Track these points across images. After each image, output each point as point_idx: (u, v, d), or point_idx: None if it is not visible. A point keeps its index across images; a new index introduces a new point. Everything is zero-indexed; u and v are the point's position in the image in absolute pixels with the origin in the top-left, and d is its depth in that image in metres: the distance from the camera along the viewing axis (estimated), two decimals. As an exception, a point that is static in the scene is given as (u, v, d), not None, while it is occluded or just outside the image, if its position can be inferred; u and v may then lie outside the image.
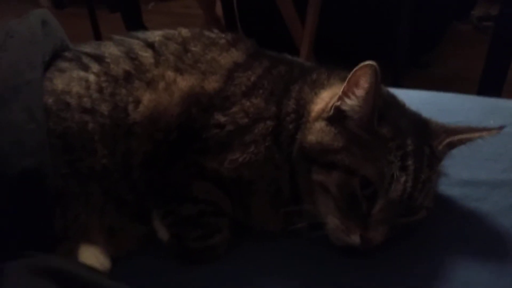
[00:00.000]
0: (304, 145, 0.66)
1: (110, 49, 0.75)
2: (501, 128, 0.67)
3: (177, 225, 0.69)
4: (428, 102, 0.97)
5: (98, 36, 2.18)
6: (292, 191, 0.68)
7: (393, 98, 0.72)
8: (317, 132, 0.65)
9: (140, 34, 0.79)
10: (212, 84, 0.70)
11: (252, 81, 0.71)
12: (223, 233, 0.69)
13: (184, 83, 0.70)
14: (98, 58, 0.74)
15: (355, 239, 0.62)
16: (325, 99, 0.69)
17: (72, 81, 0.70)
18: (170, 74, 0.71)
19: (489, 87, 1.66)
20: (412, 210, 0.64)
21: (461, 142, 0.68)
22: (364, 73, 0.62)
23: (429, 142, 0.67)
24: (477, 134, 0.67)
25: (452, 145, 0.68)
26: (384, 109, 0.65)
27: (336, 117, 0.65)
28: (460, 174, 0.76)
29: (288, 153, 0.68)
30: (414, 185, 0.62)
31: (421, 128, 0.68)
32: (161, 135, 0.68)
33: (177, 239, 0.69)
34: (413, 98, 0.98)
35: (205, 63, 0.73)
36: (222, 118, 0.68)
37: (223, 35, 0.79)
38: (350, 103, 0.64)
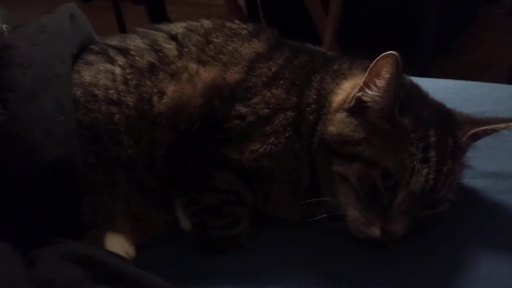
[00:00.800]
0: (324, 136, 0.66)
1: (135, 42, 0.77)
2: None
3: (199, 214, 0.70)
4: (454, 91, 0.95)
5: (122, 28, 2.21)
6: (312, 182, 0.68)
7: (416, 87, 0.71)
8: (337, 123, 0.65)
9: (164, 26, 0.81)
10: (233, 75, 0.71)
11: (273, 72, 0.71)
12: (244, 223, 0.70)
13: (206, 74, 0.71)
14: (124, 51, 0.76)
15: (376, 231, 0.61)
16: (346, 89, 0.69)
17: (99, 74, 0.72)
18: (193, 65, 0.72)
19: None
20: (434, 202, 0.63)
21: (486, 133, 0.66)
22: (385, 63, 0.61)
23: (453, 133, 0.65)
24: (503, 125, 0.65)
25: (477, 136, 0.67)
26: (406, 100, 0.64)
27: (357, 108, 0.65)
28: (484, 166, 0.75)
29: (308, 143, 0.68)
30: (437, 177, 0.61)
31: (445, 119, 0.67)
32: (184, 126, 0.70)
33: (199, 228, 0.70)
34: (438, 87, 0.96)
35: (227, 54, 0.74)
36: (243, 109, 0.69)
37: (245, 26, 0.79)
38: (371, 93, 0.63)
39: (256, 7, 2.22)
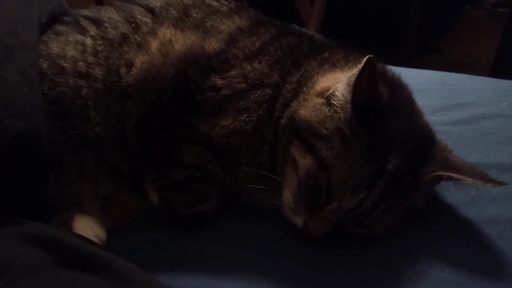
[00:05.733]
0: (294, 116, 0.63)
1: (110, 14, 0.73)
2: (501, 183, 0.60)
3: (166, 189, 0.68)
4: (439, 82, 0.94)
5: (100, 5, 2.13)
6: (271, 166, 0.65)
7: (410, 106, 0.65)
8: (311, 107, 0.62)
9: (142, 1, 0.77)
10: (212, 44, 0.68)
11: (257, 47, 0.68)
12: (211, 201, 0.68)
13: (181, 42, 0.68)
14: (97, 22, 0.72)
15: (298, 221, 0.61)
16: (336, 79, 0.64)
17: (68, 45, 0.68)
18: (166, 33, 0.69)
19: (501, 73, 1.62)
20: (361, 225, 0.61)
21: (450, 179, 0.60)
22: (361, 71, 0.56)
23: (417, 168, 0.60)
24: (470, 179, 0.58)
25: (439, 179, 0.62)
26: (387, 116, 0.58)
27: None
28: (468, 157, 0.73)
29: (276, 121, 0.65)
30: (372, 208, 0.58)
31: (420, 149, 0.61)
32: (154, 97, 0.66)
33: (166, 203, 0.68)
34: (424, 78, 0.95)
35: (206, 28, 0.70)
36: (219, 81, 0.65)
37: (226, 3, 0.76)
38: (339, 93, 0.60)
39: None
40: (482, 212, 0.67)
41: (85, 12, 0.75)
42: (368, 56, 0.55)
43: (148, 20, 0.71)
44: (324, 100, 0.61)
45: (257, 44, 0.68)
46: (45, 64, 0.65)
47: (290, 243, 0.64)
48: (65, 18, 0.74)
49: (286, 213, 0.63)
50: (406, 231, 0.63)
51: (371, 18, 2.01)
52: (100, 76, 0.66)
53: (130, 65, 0.67)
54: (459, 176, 0.59)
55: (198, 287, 0.59)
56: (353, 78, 0.57)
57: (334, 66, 0.67)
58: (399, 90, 0.65)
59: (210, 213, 0.68)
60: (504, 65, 1.66)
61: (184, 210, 0.68)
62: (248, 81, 0.65)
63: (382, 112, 0.58)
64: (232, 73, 0.66)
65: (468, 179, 0.59)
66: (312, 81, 0.65)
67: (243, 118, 0.64)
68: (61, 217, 0.65)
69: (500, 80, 0.95)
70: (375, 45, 1.37)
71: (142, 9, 0.73)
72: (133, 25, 0.70)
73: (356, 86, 0.56)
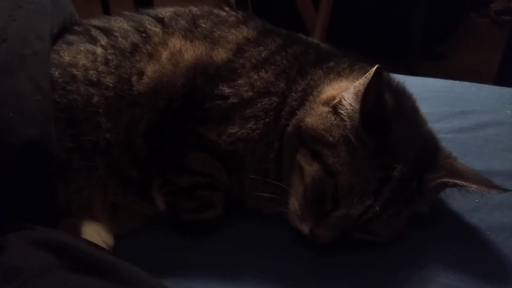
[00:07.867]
0: (300, 124, 0.64)
1: (119, 24, 0.75)
2: (506, 190, 0.61)
3: (173, 195, 0.69)
4: (443, 90, 0.95)
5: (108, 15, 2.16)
6: (277, 173, 0.66)
7: (414, 113, 0.66)
8: (317, 116, 0.63)
9: (151, 10, 0.79)
10: (221, 54, 0.70)
11: (264, 56, 0.70)
12: (216, 208, 0.69)
13: (191, 52, 0.70)
14: (107, 31, 0.73)
15: (305, 228, 0.62)
16: (341, 88, 0.65)
17: (79, 54, 0.70)
18: (176, 43, 0.70)
19: (505, 80, 1.62)
20: (368, 231, 0.61)
21: (455, 185, 0.61)
22: (370, 81, 0.57)
23: (422, 175, 0.61)
24: (475, 186, 0.59)
25: (444, 186, 0.63)
26: (392, 123, 0.59)
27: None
28: (473, 164, 0.73)
29: (283, 128, 0.66)
30: (379, 214, 0.59)
31: (425, 156, 0.62)
32: (164, 105, 0.68)
33: (172, 209, 0.69)
34: (428, 86, 0.96)
35: (214, 38, 0.72)
36: (226, 90, 0.67)
37: (233, 13, 0.77)
38: (346, 102, 0.61)
39: (245, 2, 2.20)
40: (487, 219, 0.67)
41: (95, 22, 0.76)
42: (376, 66, 0.56)
43: (158, 30, 0.73)
44: (330, 109, 0.63)
45: (264, 53, 0.70)
46: (56, 73, 0.67)
47: (295, 249, 0.65)
48: (76, 28, 0.75)
49: (292, 221, 0.64)
50: (411, 238, 0.64)
51: (375, 25, 2.02)
52: (111, 84, 0.68)
53: (141, 73, 0.68)
54: (464, 182, 0.60)
55: (203, 292, 0.59)
56: (361, 88, 0.58)
57: (339, 75, 0.68)
58: (403, 98, 0.66)
59: (215, 220, 0.69)
60: (509, 73, 1.67)
61: (189, 216, 0.69)
62: (255, 89, 0.67)
63: (387, 119, 0.59)
64: (239, 82, 0.67)
65: (473, 185, 0.59)
66: (318, 90, 0.66)
67: (250, 125, 0.65)
68: (69, 223, 0.66)
69: (505, 88, 0.96)
70: (379, 52, 1.38)
71: (151, 19, 0.75)
72: (143, 34, 0.72)
73: (365, 96, 0.57)
